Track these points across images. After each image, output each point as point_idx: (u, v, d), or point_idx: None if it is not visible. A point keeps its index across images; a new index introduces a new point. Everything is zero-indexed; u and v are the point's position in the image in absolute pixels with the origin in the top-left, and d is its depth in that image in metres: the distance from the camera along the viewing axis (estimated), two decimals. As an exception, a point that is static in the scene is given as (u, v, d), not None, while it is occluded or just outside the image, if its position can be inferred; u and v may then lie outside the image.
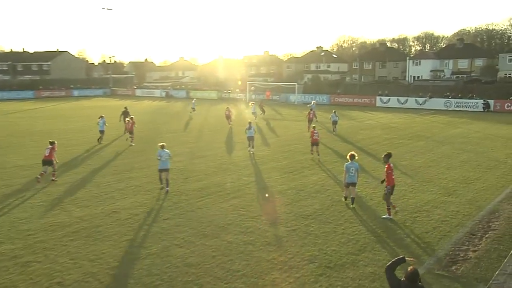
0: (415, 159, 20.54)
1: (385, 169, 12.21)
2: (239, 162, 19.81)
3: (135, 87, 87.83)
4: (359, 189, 15.07)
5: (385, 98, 53.24)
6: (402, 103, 51.50)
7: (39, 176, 15.96)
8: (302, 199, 14.14)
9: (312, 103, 37.28)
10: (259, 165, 19.21)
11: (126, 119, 25.92)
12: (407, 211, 12.86)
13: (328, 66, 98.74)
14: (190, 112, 41.28)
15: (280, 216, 12.47)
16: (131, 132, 24.74)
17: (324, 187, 15.50)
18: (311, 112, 31.14)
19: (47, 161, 16.26)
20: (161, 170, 14.92)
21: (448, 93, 51.65)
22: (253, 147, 22.16)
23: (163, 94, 77.29)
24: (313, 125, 22.60)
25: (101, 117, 25.32)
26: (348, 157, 13.24)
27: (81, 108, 50.11)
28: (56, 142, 16.78)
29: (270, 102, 56.72)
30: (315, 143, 20.67)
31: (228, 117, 33.70)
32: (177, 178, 16.72)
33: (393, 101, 52.28)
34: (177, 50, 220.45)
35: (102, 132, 24.89)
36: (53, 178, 16.35)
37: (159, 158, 14.84)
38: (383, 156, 12.58)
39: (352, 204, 13.21)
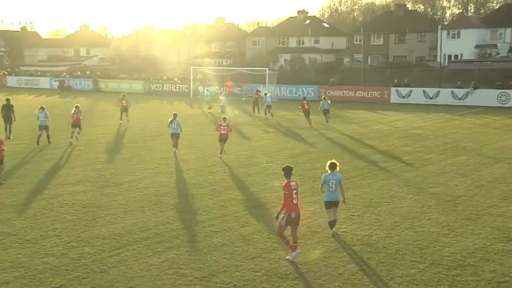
0: (452, 183, 21.13)
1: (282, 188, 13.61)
2: (178, 192, 20.00)
3: (5, 72, 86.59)
4: (366, 232, 15.40)
5: (404, 90, 54.55)
6: (431, 97, 52.98)
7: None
8: (278, 248, 14.28)
9: (266, 96, 44.09)
10: (210, 195, 19.36)
11: (73, 112, 31.07)
12: (441, 266, 13.14)
13: (317, 41, 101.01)
14: (209, 109, 47.43)
15: (243, 275, 12.53)
16: (76, 126, 30.88)
17: (313, 228, 15.73)
18: (305, 102, 38.32)
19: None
20: None
21: (502, 82, 53.10)
22: (176, 147, 27.36)
23: (55, 84, 76.86)
24: (224, 116, 28.75)
25: (42, 108, 30.44)
26: (327, 166, 15.16)
27: None
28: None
29: (231, 98, 57.01)
30: (222, 139, 26.78)
31: (124, 109, 38.76)
32: (78, 220, 16.59)
33: (417, 95, 53.69)
34: (78, 15, 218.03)
35: (46, 128, 30.19)
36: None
37: None
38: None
39: (332, 228, 15.17)
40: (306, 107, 38.02)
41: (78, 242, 14.71)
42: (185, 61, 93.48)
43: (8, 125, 32.72)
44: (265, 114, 43.00)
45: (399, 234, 15.21)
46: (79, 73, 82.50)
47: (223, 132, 26.73)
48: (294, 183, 13.56)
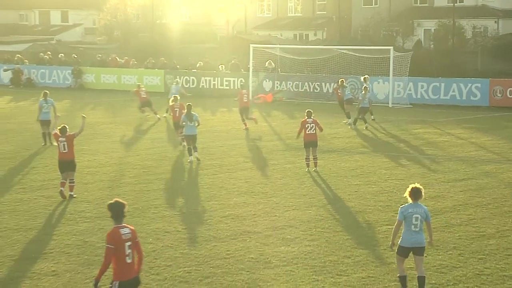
0: None
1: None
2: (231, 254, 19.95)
3: None
4: None
5: None
6: None
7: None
8: None
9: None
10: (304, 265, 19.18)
11: (173, 105, 40.36)
12: None
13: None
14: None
15: None
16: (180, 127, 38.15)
17: None
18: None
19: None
20: None
21: None
22: (195, 151, 34.97)
23: (6, 76, 79.54)
24: (308, 110, 34.48)
25: (45, 94, 41.91)
26: (407, 193, 17.28)
27: None
28: None
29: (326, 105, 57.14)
30: (310, 142, 33.11)
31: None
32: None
33: None
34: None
35: (48, 123, 40.55)
36: None
37: None
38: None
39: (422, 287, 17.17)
40: (245, 101, 47.12)
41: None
42: (240, 35, 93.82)
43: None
44: None
45: None
46: (48, 54, 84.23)
47: (310, 132, 33.17)
48: (127, 230, 14.69)
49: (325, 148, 39.21)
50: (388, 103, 57.94)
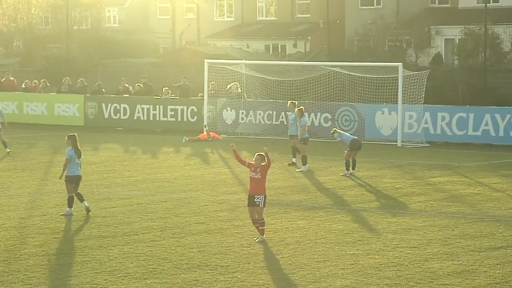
0: None
1: None
2: None
3: None
4: None
5: None
6: None
7: None
8: None
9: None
10: None
11: None
12: None
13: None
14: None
15: None
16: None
17: None
18: None
19: None
20: None
21: None
22: (83, 198, 36.68)
23: None
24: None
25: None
26: None
27: None
28: None
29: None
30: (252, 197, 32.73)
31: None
32: None
33: None
34: None
35: None
36: None
37: None
38: None
39: None
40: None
41: None
42: (190, 47, 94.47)
43: None
44: None
45: None
46: None
47: (254, 176, 32.79)
48: None
49: (310, 204, 39.32)
50: (396, 141, 58.45)
